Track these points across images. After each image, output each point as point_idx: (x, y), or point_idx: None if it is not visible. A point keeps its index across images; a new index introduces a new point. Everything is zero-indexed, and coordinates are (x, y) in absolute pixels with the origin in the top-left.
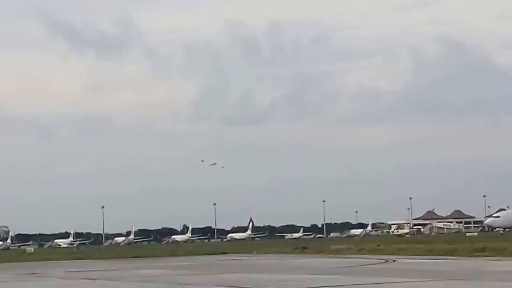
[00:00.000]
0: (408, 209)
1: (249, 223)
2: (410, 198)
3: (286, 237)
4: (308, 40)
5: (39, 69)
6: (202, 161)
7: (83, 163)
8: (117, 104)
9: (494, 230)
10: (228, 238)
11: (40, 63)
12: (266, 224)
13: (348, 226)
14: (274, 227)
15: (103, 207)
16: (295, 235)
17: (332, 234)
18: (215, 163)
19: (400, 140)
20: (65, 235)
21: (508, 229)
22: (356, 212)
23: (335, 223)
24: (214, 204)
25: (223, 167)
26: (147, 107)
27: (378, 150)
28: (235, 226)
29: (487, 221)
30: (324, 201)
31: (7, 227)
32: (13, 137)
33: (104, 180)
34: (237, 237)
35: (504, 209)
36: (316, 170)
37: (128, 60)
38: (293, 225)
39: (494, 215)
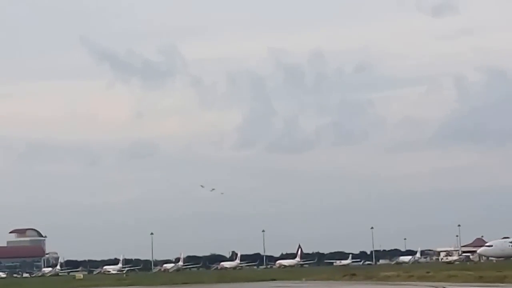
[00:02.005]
0: (457, 236)
1: (297, 249)
2: (459, 225)
3: (334, 264)
4: (352, 68)
5: (86, 97)
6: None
7: (131, 190)
8: (163, 131)
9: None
10: (277, 265)
11: (86, 91)
12: (315, 250)
13: (397, 253)
14: (323, 253)
15: (152, 233)
16: (344, 262)
17: (381, 261)
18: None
19: (446, 167)
20: (114, 261)
21: (502, 258)
22: (405, 239)
23: (384, 250)
24: (263, 230)
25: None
26: (193, 134)
27: (424, 176)
28: (284, 252)
29: (480, 250)
30: (372, 228)
31: (57, 253)
32: (62, 164)
33: (152, 207)
34: (285, 264)
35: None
36: (364, 197)
37: (173, 88)
38: (342, 252)
39: (487, 244)
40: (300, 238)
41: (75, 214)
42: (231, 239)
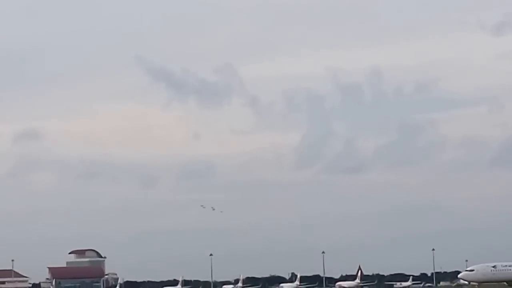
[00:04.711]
0: None
1: (357, 271)
2: None
3: (395, 286)
4: (411, 87)
5: (142, 117)
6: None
7: (188, 210)
8: (220, 151)
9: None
10: (337, 287)
11: (142, 111)
12: (375, 272)
13: (458, 274)
14: (383, 275)
15: (211, 254)
16: (404, 284)
17: (441, 283)
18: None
19: (507, 189)
20: (174, 282)
21: (484, 283)
22: (466, 260)
23: (444, 272)
24: (323, 252)
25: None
26: (250, 154)
27: (485, 198)
28: (344, 274)
29: (461, 275)
30: (433, 249)
31: (116, 274)
32: (119, 185)
33: (210, 228)
34: (345, 286)
35: None
36: (424, 218)
37: (230, 108)
38: (402, 274)
39: (468, 269)
40: (360, 260)
41: (134, 235)
42: (291, 261)
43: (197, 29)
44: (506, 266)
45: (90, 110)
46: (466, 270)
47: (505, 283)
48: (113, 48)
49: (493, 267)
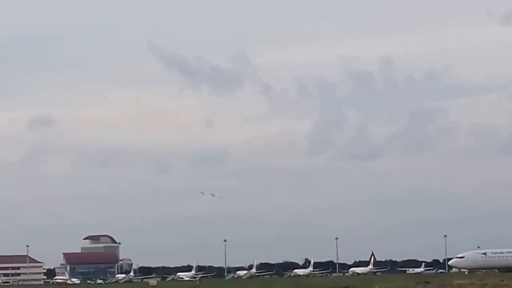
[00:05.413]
0: None
1: (370, 257)
2: None
3: (407, 271)
4: (422, 75)
5: (155, 104)
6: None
7: (201, 197)
8: (232, 138)
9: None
10: (350, 272)
11: (156, 98)
12: (388, 258)
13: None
14: (396, 261)
15: (225, 240)
16: (417, 270)
17: (454, 269)
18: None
19: None
20: (188, 268)
21: (474, 270)
22: (478, 247)
23: None
24: (336, 238)
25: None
26: (262, 141)
27: (496, 184)
28: (357, 260)
29: (451, 261)
30: (445, 236)
31: (130, 260)
32: (132, 171)
33: (223, 214)
34: (358, 271)
35: None
36: (437, 205)
37: (242, 95)
38: (415, 260)
39: (459, 255)
40: (373, 246)
41: (148, 221)
42: (304, 247)
43: (210, 17)
44: (496, 253)
45: (104, 97)
46: (457, 257)
47: (496, 270)
48: (127, 36)
49: (483, 254)
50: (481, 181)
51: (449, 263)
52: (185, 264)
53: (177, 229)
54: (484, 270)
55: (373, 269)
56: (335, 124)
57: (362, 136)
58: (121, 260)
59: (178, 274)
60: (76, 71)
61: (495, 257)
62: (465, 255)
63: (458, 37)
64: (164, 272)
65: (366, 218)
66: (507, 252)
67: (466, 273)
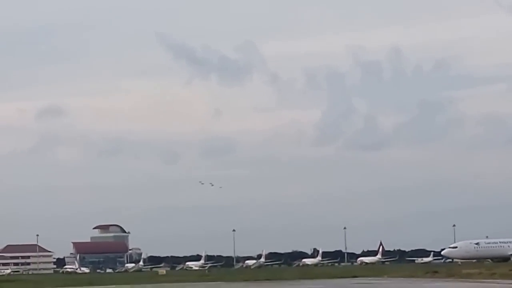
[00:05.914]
0: None
1: (379, 247)
2: None
3: (416, 261)
4: (430, 65)
5: (164, 94)
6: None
7: (209, 187)
8: (241, 128)
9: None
10: (358, 262)
11: (164, 88)
12: (396, 248)
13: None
14: (404, 251)
15: (234, 230)
16: (425, 259)
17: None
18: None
19: None
20: (197, 257)
21: (467, 260)
22: (487, 237)
23: None
24: (344, 228)
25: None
26: (271, 131)
27: (505, 174)
28: (365, 250)
29: (444, 251)
30: (454, 225)
31: (140, 249)
32: (141, 161)
33: (232, 203)
34: (367, 261)
35: None
36: (445, 195)
37: (251, 85)
38: (423, 250)
39: (452, 245)
40: (381, 235)
41: (157, 210)
42: (313, 236)
43: (218, 6)
44: (489, 243)
45: (112, 87)
46: (450, 247)
47: (489, 260)
48: (135, 25)
49: (476, 244)
50: (489, 171)
51: (442, 253)
52: (194, 254)
53: (186, 218)
54: (475, 260)
55: (381, 258)
56: (343, 114)
57: (371, 126)
58: (130, 250)
59: (187, 263)
60: (84, 61)
61: (488, 247)
62: (458, 245)
63: (467, 27)
64: (173, 261)
65: (374, 208)
66: (500, 242)
67: (459, 263)
